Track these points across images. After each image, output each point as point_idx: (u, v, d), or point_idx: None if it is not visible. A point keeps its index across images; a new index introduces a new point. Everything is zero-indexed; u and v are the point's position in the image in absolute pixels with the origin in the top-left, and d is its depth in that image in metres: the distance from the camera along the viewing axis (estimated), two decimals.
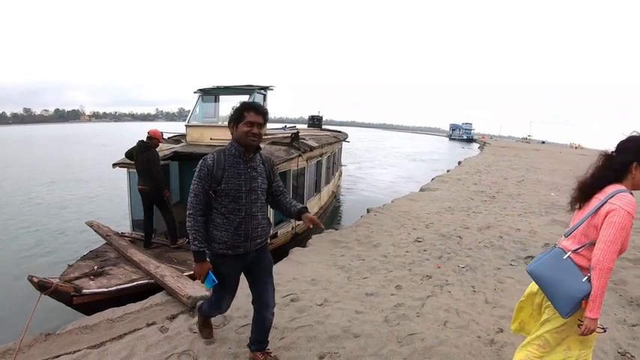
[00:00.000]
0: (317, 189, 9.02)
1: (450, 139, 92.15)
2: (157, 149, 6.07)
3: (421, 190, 12.49)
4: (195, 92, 7.58)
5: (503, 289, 4.37)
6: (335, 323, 3.46)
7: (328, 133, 11.35)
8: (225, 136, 6.81)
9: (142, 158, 5.84)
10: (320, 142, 8.69)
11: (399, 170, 23.89)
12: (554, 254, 2.09)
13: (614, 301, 4.11)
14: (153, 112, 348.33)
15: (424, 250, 5.79)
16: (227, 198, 2.43)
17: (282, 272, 4.77)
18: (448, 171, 18.82)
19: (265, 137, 7.39)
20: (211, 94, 7.63)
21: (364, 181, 18.06)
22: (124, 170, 6.52)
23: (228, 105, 7.81)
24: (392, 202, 10.09)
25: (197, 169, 2.44)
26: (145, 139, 6.02)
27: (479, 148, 53.03)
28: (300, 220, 2.69)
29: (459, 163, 23.86)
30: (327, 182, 10.51)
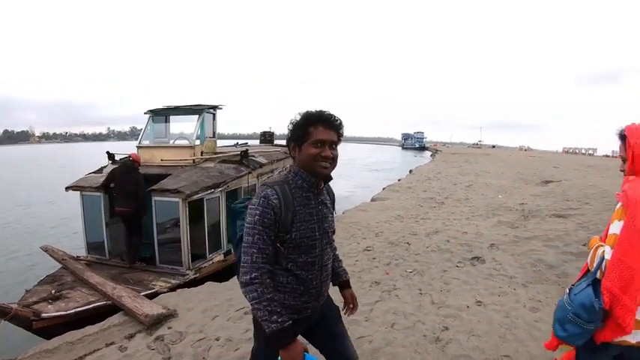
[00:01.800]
0: None
1: (403, 148, 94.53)
2: None
3: (372, 200, 12.62)
4: (145, 113, 7.61)
5: (449, 290, 4.53)
6: None
7: (279, 149, 11.54)
8: (176, 156, 6.83)
9: (131, 180, 5.71)
10: (270, 159, 8.83)
11: (355, 181, 24.13)
12: None
13: (556, 293, 4.26)
14: (104, 131, 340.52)
15: (373, 258, 5.89)
16: (296, 250, 1.66)
17: (235, 287, 4.75)
18: (399, 180, 19.00)
19: (216, 155, 7.46)
20: (161, 114, 7.67)
21: None
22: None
23: (178, 125, 7.86)
24: (343, 213, 10.14)
25: (255, 213, 1.58)
26: (129, 160, 5.93)
27: (431, 155, 54.17)
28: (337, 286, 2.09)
29: (410, 171, 24.23)
30: None
